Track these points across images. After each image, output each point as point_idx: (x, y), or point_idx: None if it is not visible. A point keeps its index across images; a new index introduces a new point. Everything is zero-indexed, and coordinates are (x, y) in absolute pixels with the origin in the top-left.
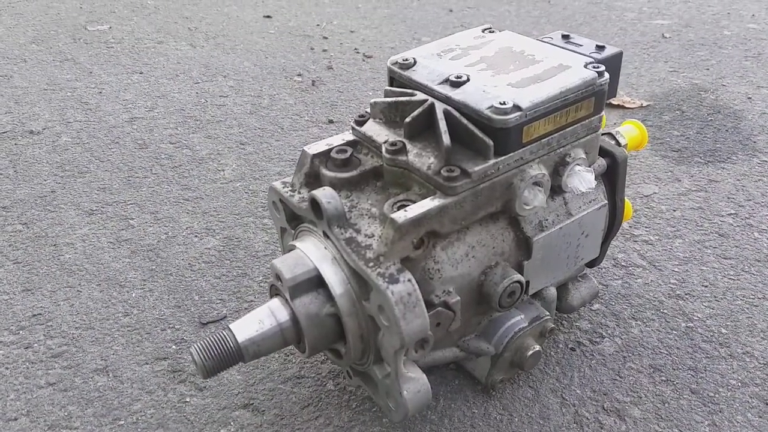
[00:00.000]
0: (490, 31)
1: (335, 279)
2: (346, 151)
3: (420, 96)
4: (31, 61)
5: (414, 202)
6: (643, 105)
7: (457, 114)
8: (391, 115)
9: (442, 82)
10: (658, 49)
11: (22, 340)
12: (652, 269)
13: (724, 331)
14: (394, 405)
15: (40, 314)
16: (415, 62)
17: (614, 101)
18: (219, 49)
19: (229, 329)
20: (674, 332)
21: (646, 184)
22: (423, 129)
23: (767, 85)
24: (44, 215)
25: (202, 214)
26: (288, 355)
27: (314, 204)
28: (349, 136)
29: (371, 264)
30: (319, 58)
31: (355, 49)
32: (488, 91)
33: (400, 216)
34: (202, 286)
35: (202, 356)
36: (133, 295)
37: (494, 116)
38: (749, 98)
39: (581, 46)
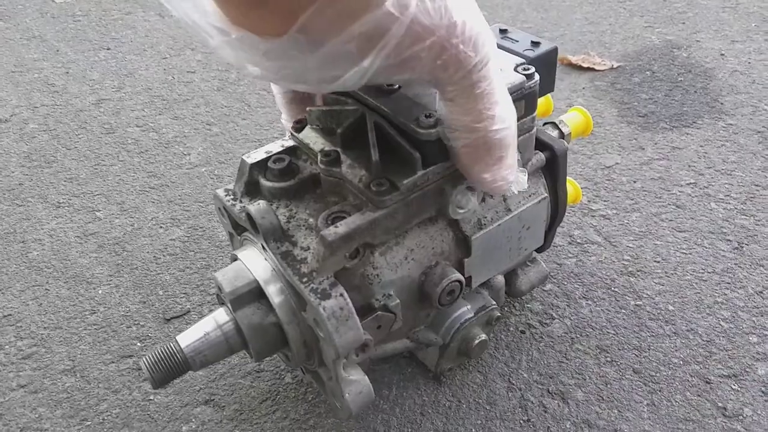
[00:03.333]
0: None
1: (274, 290)
2: (283, 160)
3: (353, 105)
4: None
5: (349, 214)
6: (614, 66)
7: (386, 125)
8: (326, 122)
9: (375, 91)
10: (635, 2)
11: None
12: (607, 245)
13: (671, 308)
14: (339, 405)
15: (11, 315)
16: None
17: (584, 64)
18: None
19: (176, 341)
20: (623, 311)
21: (609, 155)
22: (356, 138)
23: (742, 39)
24: (13, 210)
25: (168, 203)
26: None
27: (250, 219)
28: (289, 142)
29: (305, 280)
30: None
31: None
32: (418, 101)
33: (330, 233)
34: (166, 279)
35: (150, 369)
36: (100, 291)
37: (420, 129)
38: (722, 54)
39: (517, 42)
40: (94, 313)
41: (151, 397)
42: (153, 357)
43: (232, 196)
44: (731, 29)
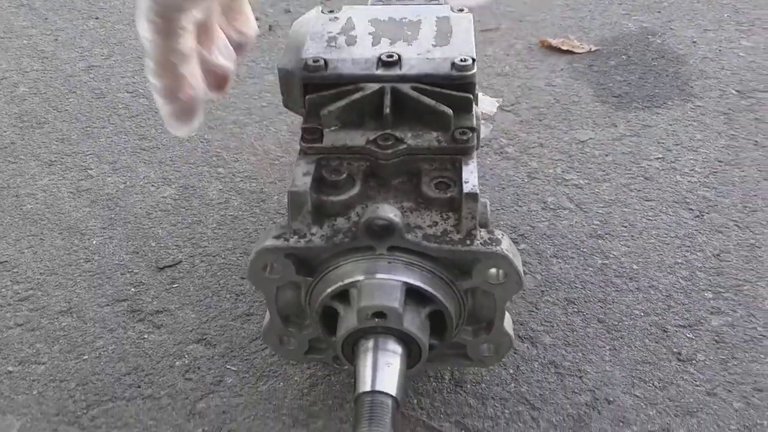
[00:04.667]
0: (330, 11)
1: (423, 279)
2: (338, 171)
3: (370, 87)
4: None
5: (447, 176)
6: (592, 50)
7: (413, 93)
8: (347, 117)
9: (378, 67)
10: None
11: None
12: (578, 211)
13: (635, 267)
14: (492, 349)
15: (6, 261)
16: (324, 61)
17: (563, 46)
18: None
19: (381, 393)
20: (590, 269)
21: (584, 130)
22: (397, 114)
23: (714, 28)
24: (5, 167)
25: (159, 164)
26: (239, 295)
27: (377, 227)
28: (306, 166)
29: (468, 242)
30: (277, 1)
31: None
32: (430, 57)
33: (470, 187)
34: (158, 233)
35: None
36: (94, 242)
37: (463, 73)
38: (694, 42)
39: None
40: (89, 261)
41: (146, 336)
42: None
43: (295, 236)
44: (704, 19)
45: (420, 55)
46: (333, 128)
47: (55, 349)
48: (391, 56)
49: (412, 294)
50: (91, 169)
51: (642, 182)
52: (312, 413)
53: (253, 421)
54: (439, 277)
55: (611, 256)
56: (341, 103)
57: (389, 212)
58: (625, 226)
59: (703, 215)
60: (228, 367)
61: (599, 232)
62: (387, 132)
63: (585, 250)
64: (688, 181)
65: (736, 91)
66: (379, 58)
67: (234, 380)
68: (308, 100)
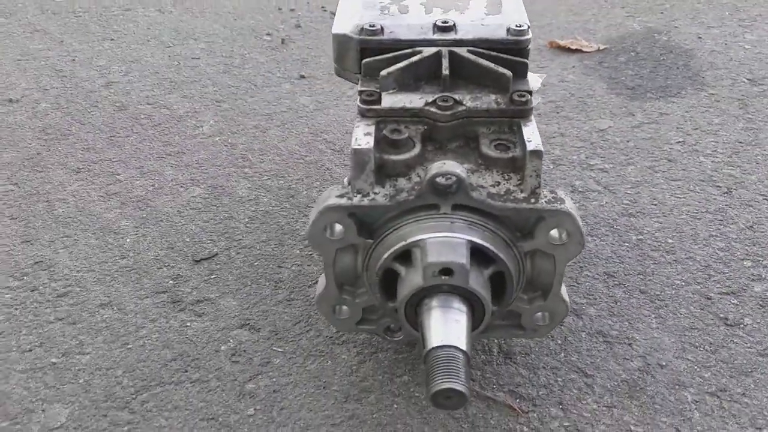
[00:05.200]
0: None
1: (486, 238)
2: (400, 131)
3: (428, 50)
4: (1, 34)
5: (506, 138)
6: (600, 48)
7: (470, 56)
8: (404, 80)
9: (434, 32)
10: None
11: (27, 284)
12: (606, 193)
13: (670, 241)
14: (547, 317)
15: (42, 261)
16: (380, 26)
17: (572, 46)
18: (188, 14)
19: (452, 347)
20: (626, 244)
21: (602, 119)
22: (454, 77)
23: (717, 25)
24: (33, 175)
25: (185, 167)
26: (278, 282)
27: (443, 184)
28: (366, 127)
29: (532, 200)
30: (287, 17)
31: (322, 7)
32: (485, 23)
33: (534, 145)
34: (191, 229)
35: (458, 383)
36: (128, 240)
37: (519, 38)
38: (699, 38)
39: None
40: (125, 258)
41: (188, 324)
42: (442, 372)
43: (359, 195)
44: (706, 17)
45: (474, 21)
46: (391, 91)
47: (99, 339)
48: (446, 22)
49: (475, 254)
50: (119, 174)
51: (666, 164)
52: (363, 388)
53: (305, 399)
54: (501, 238)
55: (645, 232)
56: (399, 66)
57: (456, 168)
58: (655, 204)
59: (731, 191)
60: (274, 348)
61: (630, 211)
62: (445, 94)
63: (618, 227)
64: (712, 161)
65: (747, 79)
66: (435, 24)
67: (281, 361)
68: (365, 64)
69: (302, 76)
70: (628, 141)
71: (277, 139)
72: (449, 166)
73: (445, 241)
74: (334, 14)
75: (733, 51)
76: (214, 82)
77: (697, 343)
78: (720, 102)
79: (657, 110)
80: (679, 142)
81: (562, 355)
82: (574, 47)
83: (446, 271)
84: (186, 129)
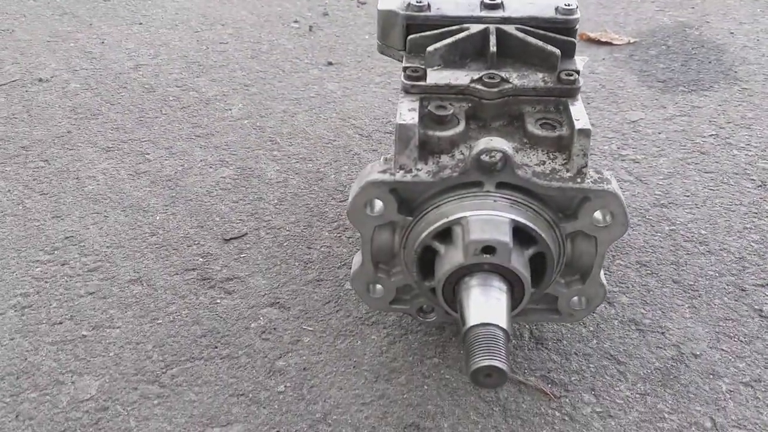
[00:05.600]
0: None
1: (529, 218)
2: (445, 107)
3: (475, 27)
4: (31, 16)
5: (552, 118)
6: (631, 41)
7: (518, 34)
8: (450, 56)
9: (481, 9)
10: None
11: (57, 258)
12: (638, 183)
13: (703, 232)
14: (584, 302)
15: (72, 236)
16: (427, 2)
17: (602, 38)
18: (215, 0)
19: (493, 326)
20: (659, 234)
21: (633, 111)
22: (501, 55)
23: (749, 21)
24: (63, 153)
25: (215, 148)
26: (307, 263)
27: (489, 161)
28: (410, 103)
29: (578, 179)
30: (315, 5)
31: None
32: (533, 1)
33: (582, 124)
34: (221, 209)
35: (499, 361)
36: (158, 218)
37: (568, 17)
38: (731, 33)
39: None
40: (154, 235)
41: (218, 301)
42: (484, 351)
43: (401, 171)
44: (738, 13)
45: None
46: (436, 67)
47: (129, 314)
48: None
49: (517, 234)
50: (148, 153)
51: (699, 156)
52: (393, 369)
53: (335, 377)
54: (544, 219)
55: (678, 222)
56: (446, 42)
57: (503, 144)
58: (688, 196)
59: (765, 184)
60: (304, 327)
61: (662, 202)
62: (492, 71)
63: (651, 218)
64: (746, 155)
65: None
66: (482, 1)
67: (312, 339)
68: (410, 40)
69: (330, 63)
70: (659, 133)
71: (306, 124)
72: (496, 143)
73: (488, 218)
74: (360, 2)
75: (765, 47)
76: (242, 67)
77: (731, 334)
78: (753, 96)
79: (689, 103)
80: (712, 135)
81: (595, 342)
82: (604, 39)
83: (488, 249)
84: (215, 111)
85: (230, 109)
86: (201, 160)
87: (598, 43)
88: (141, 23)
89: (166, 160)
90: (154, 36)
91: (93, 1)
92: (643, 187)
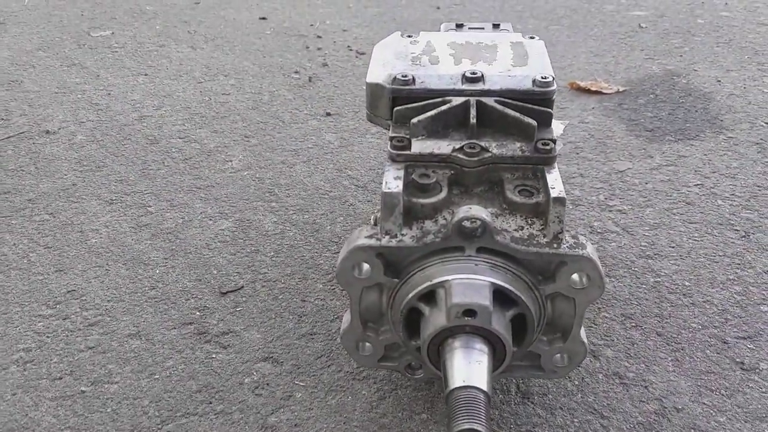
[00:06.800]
0: (408, 36)
1: (508, 281)
2: (428, 176)
3: (457, 99)
4: (40, 67)
5: (530, 185)
6: (620, 90)
7: (496, 106)
8: (433, 127)
9: (463, 82)
10: (635, 39)
11: (59, 312)
12: (624, 234)
13: (687, 283)
14: (566, 359)
15: (74, 290)
16: (412, 76)
17: (592, 87)
18: (219, 51)
19: (474, 388)
20: (643, 286)
21: (621, 161)
22: (481, 126)
23: (736, 68)
24: (68, 206)
25: (215, 200)
26: (301, 316)
27: (469, 227)
28: (395, 171)
29: (555, 245)
30: (315, 56)
31: (348, 46)
32: (512, 75)
33: (558, 192)
34: (219, 261)
35: (479, 424)
36: (157, 271)
37: (544, 89)
38: (718, 81)
39: (482, 29)
40: (154, 288)
41: (213, 356)
42: (465, 414)
43: (387, 236)
44: (726, 60)
45: (501, 73)
46: (420, 137)
47: (127, 369)
48: (474, 73)
49: (497, 296)
50: (150, 206)
51: (684, 207)
52: (383, 425)
53: None
54: (523, 281)
55: (662, 274)
56: (429, 114)
57: (481, 212)
58: (673, 247)
59: (749, 235)
60: (296, 383)
61: (648, 253)
62: (473, 141)
63: (636, 269)
64: (730, 205)
65: (766, 123)
66: (464, 75)
67: (303, 395)
68: (396, 111)
69: (328, 114)
70: (646, 183)
71: (303, 175)
72: (475, 211)
73: (469, 282)
74: (359, 53)
75: (751, 95)
76: (243, 118)
77: (713, 387)
78: (738, 145)
79: (675, 153)
80: (698, 184)
81: (579, 396)
82: (594, 89)
83: (470, 312)
84: (215, 163)
85: (231, 161)
86: (201, 212)
87: (588, 92)
88: (146, 74)
89: (167, 212)
90: (158, 87)
91: (101, 52)
92: (630, 238)
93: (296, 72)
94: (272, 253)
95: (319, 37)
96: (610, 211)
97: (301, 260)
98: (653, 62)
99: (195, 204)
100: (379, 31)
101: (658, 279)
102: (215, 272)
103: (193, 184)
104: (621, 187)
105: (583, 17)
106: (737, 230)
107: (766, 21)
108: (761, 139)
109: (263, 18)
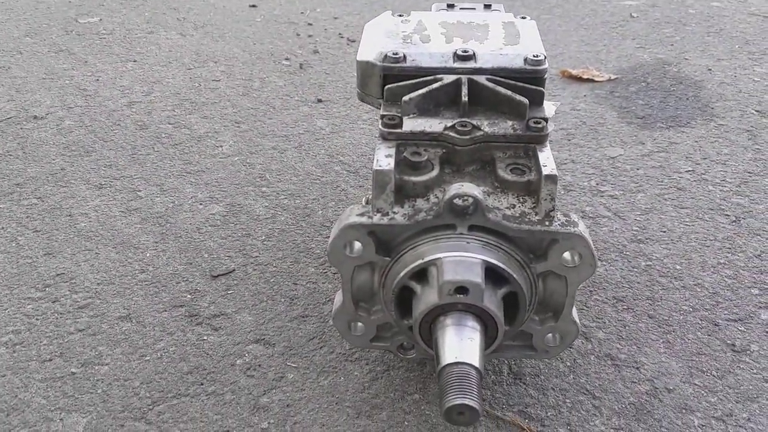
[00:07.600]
0: (399, 15)
1: (500, 259)
2: (420, 154)
3: (448, 78)
4: (27, 53)
5: (521, 163)
6: (611, 78)
7: (488, 84)
8: (425, 105)
9: (454, 60)
10: (626, 28)
11: (48, 295)
12: (616, 219)
13: (678, 267)
14: (558, 338)
15: (63, 273)
16: (403, 54)
17: (584, 75)
18: (208, 38)
19: (466, 365)
20: (635, 270)
21: (612, 147)
22: (472, 104)
23: (727, 57)
24: (57, 190)
25: (205, 185)
26: (293, 299)
27: (461, 205)
28: (387, 149)
29: (547, 222)
30: (305, 43)
31: (339, 34)
32: (503, 53)
33: (550, 170)
34: (210, 245)
35: (471, 400)
36: (147, 255)
37: (536, 67)
38: (709, 70)
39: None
40: (144, 272)
41: (205, 338)
42: (457, 390)
43: (378, 214)
44: (716, 50)
45: (493, 51)
46: (411, 115)
47: (117, 351)
48: (466, 51)
49: (489, 274)
50: (140, 191)
51: (675, 192)
52: (375, 405)
53: (318, 414)
54: (515, 259)
55: (654, 258)
56: (421, 92)
57: (473, 190)
58: (664, 231)
59: (739, 220)
60: (288, 364)
61: (639, 237)
62: (464, 119)
63: (628, 253)
64: (721, 191)
65: (756, 111)
66: (455, 53)
67: (295, 376)
68: (387, 89)
69: (319, 100)
70: (638, 169)
71: (294, 160)
72: (467, 188)
73: (460, 260)
74: (350, 41)
75: (742, 83)
76: (233, 104)
77: (704, 369)
78: (729, 133)
79: (667, 139)
80: (689, 171)
81: (571, 377)
82: (585, 76)
83: (461, 289)
84: (206, 148)
85: (221, 146)
86: (191, 197)
87: (580, 80)
88: (135, 60)
89: (157, 197)
90: (147, 73)
91: (89, 38)
92: (621, 223)
93: (287, 59)
94: (263, 237)
95: (309, 24)
96: (602, 196)
97: (292, 244)
98: (644, 51)
99: (185, 188)
100: (370, 18)
101: (650, 263)
102: (206, 256)
103: (183, 169)
104: (612, 173)
105: (575, 6)
106: (728, 215)
107: (757, 11)
108: (751, 126)
109: (253, 6)
